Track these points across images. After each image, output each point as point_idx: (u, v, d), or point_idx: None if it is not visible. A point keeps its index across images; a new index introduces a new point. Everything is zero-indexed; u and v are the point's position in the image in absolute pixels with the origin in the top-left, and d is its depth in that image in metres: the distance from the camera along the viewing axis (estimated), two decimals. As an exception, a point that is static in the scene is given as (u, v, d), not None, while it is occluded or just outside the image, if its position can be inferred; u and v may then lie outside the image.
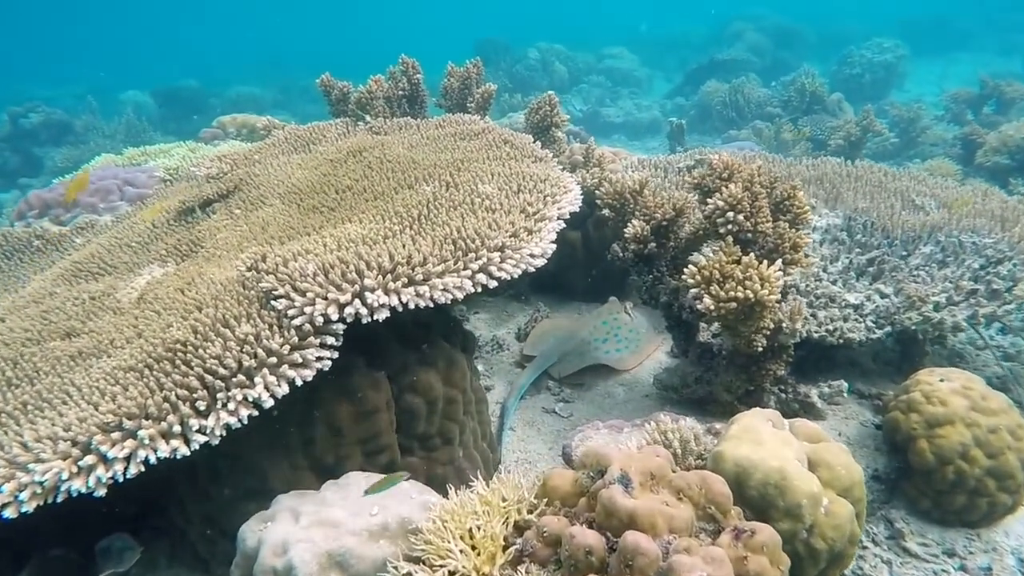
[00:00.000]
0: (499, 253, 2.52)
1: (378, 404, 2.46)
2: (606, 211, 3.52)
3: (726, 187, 2.84)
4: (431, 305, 2.33)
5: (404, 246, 2.50)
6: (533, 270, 2.63)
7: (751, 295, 2.53)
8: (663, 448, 2.02)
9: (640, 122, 13.56)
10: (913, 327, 3.32)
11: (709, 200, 2.88)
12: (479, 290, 2.46)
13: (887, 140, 8.96)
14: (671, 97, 15.11)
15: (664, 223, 3.21)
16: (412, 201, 2.94)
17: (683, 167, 4.61)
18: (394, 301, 2.27)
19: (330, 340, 2.24)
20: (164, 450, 1.96)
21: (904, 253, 3.89)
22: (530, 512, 1.89)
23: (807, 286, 3.56)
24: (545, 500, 1.90)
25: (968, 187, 4.55)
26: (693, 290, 2.71)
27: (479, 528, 1.81)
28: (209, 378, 2.09)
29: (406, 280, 2.31)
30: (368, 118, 4.41)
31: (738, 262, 2.70)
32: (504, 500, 1.89)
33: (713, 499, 1.81)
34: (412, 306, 2.30)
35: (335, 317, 2.22)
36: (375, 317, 2.25)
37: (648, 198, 3.32)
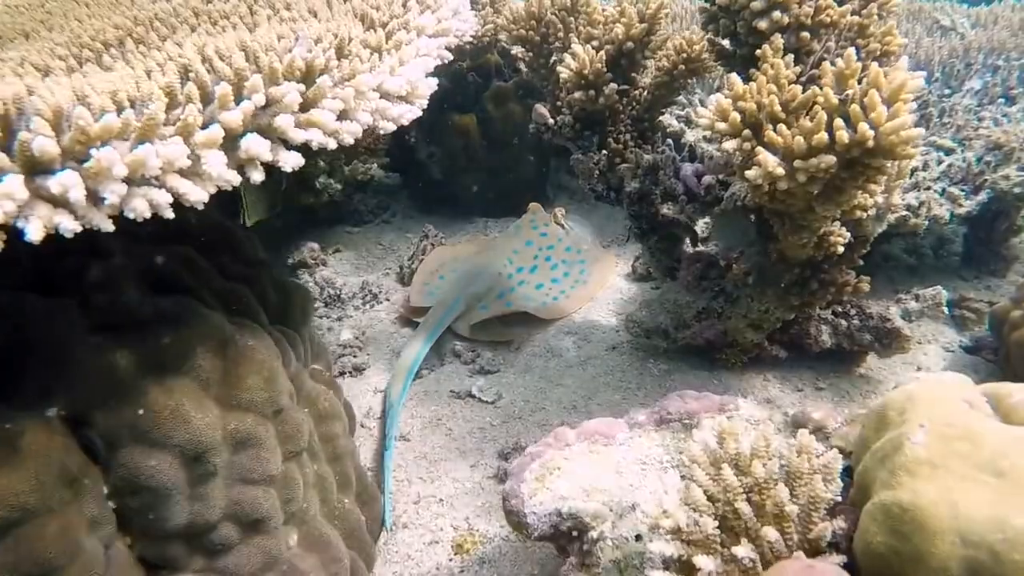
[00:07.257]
0: (301, 88, 1.03)
1: (28, 499, 0.97)
2: (516, 49, 2.08)
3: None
4: (104, 228, 0.84)
5: (52, 91, 0.96)
6: (393, 128, 1.17)
7: (867, 135, 1.18)
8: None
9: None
10: (1017, 189, 2.11)
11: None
12: (257, 177, 0.98)
13: None
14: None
15: (629, 45, 1.79)
16: (112, 23, 1.38)
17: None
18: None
19: None
20: None
21: (948, 90, 2.69)
22: None
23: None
24: None
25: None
26: (728, 144, 1.32)
27: None
28: None
29: (27, 161, 0.79)
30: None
31: (806, 77, 1.33)
32: None
33: None
34: (70, 233, 0.80)
35: None
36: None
37: (594, 10, 1.89)
